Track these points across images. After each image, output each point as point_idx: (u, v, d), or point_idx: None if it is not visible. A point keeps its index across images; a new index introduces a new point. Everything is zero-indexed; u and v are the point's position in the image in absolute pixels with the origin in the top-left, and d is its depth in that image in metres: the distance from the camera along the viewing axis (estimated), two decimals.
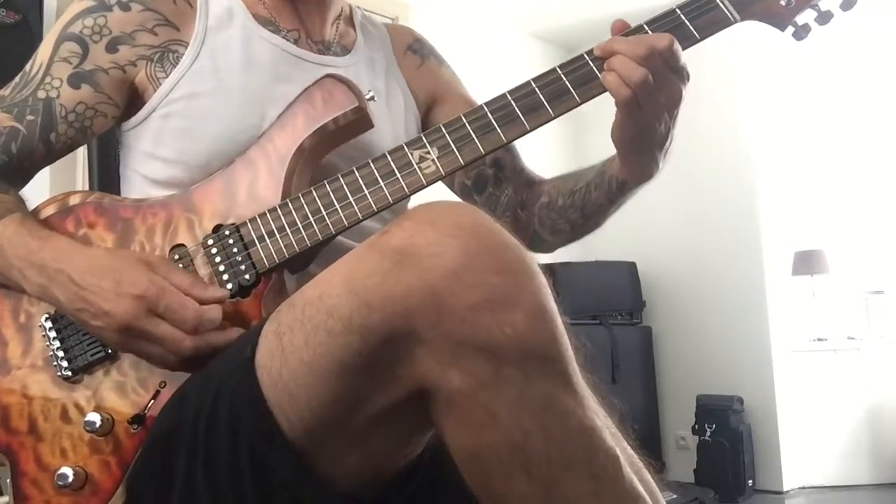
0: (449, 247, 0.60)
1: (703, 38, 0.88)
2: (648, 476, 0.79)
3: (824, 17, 0.94)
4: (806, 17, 0.94)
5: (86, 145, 1.01)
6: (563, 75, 0.86)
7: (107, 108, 0.93)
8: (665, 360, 4.11)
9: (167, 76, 0.92)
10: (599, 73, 0.86)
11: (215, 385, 0.71)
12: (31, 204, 0.93)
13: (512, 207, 1.10)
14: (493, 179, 1.11)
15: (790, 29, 0.94)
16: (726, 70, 3.91)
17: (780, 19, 0.93)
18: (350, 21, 1.13)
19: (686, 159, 4.06)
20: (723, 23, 0.89)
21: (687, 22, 0.88)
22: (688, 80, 0.88)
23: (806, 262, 3.86)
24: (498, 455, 0.59)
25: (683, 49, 0.87)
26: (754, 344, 3.82)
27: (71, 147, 0.94)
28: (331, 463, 0.68)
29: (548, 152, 4.44)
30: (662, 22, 0.88)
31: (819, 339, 3.93)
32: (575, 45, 4.45)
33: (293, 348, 0.66)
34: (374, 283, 0.61)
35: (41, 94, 0.91)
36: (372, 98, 0.92)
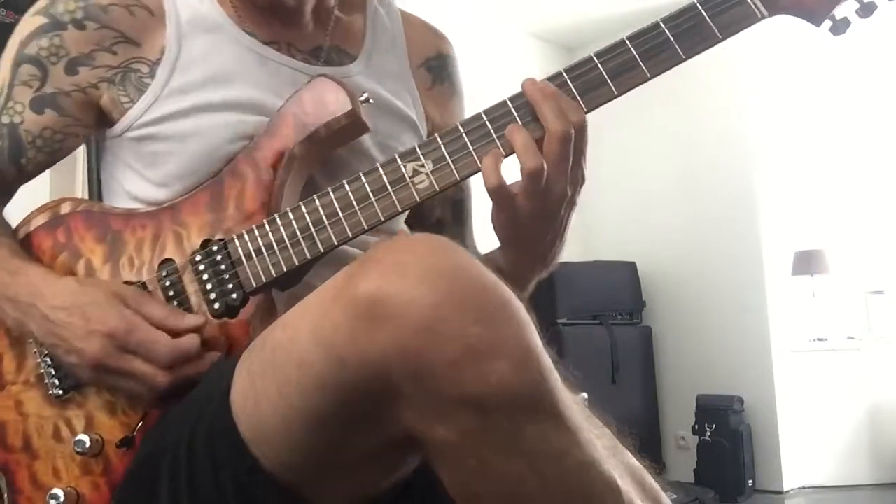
0: (421, 298, 0.55)
1: (725, 38, 0.80)
2: (651, 481, 0.78)
3: (867, 9, 0.84)
4: (845, 9, 0.84)
5: (85, 149, 1.00)
6: (568, 80, 0.81)
7: (75, 129, 0.90)
8: (665, 360, 4.11)
9: (132, 101, 0.87)
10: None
11: (195, 413, 0.70)
12: (32, 206, 0.92)
13: None
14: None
15: (827, 23, 0.84)
16: (727, 70, 3.91)
17: (814, 13, 0.83)
18: (362, 8, 1.01)
19: (686, 160, 4.09)
20: (749, 20, 0.80)
21: (708, 19, 0.80)
22: (582, 181, 0.81)
23: (806, 262, 3.86)
24: (495, 499, 0.58)
25: (702, 51, 0.80)
26: (754, 344, 3.82)
27: (44, 167, 0.92)
28: (318, 494, 0.66)
29: None
30: (682, 19, 0.80)
31: (819, 339, 3.93)
32: (575, 45, 4.45)
33: (266, 395, 0.63)
34: (344, 340, 0.57)
35: (5, 120, 0.88)
36: (367, 100, 0.86)
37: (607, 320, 3.83)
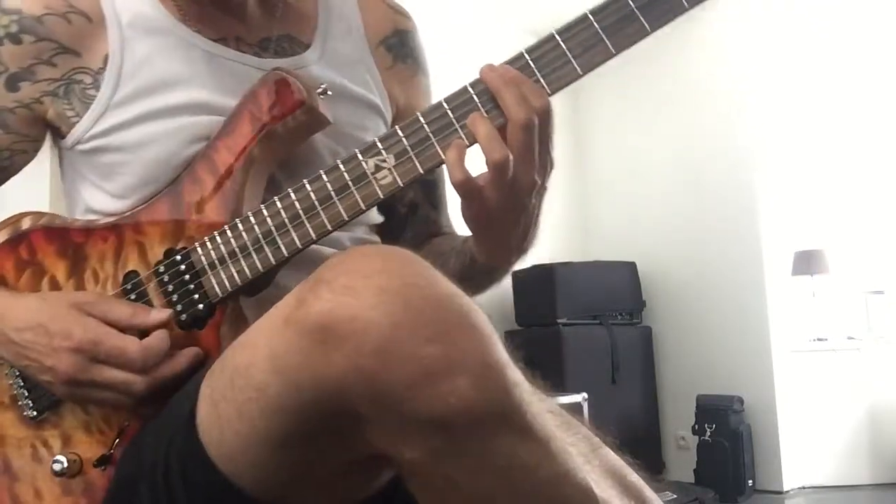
0: (374, 320, 0.53)
1: (691, 7, 0.75)
2: (633, 479, 0.77)
3: None
4: None
5: None
6: (530, 61, 0.77)
7: (24, 145, 0.88)
8: (665, 360, 4.11)
9: (78, 116, 0.85)
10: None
11: (167, 435, 0.69)
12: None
13: (408, 249, 1.03)
14: (401, 218, 1.02)
15: None
16: (726, 70, 3.91)
17: None
18: None
19: (686, 160, 4.09)
20: None
21: None
22: (551, 167, 0.77)
23: (806, 262, 3.86)
24: None
25: (669, 22, 0.75)
26: (754, 344, 3.82)
27: None
28: None
29: None
30: None
31: (819, 339, 3.93)
32: None
33: (228, 419, 0.62)
34: (299, 364, 0.56)
35: None
36: (324, 92, 0.83)
37: (607, 320, 3.83)
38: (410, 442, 0.55)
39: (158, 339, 0.76)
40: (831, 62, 3.97)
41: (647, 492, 0.76)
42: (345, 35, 0.96)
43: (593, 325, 3.78)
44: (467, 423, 0.54)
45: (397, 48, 1.01)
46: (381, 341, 0.53)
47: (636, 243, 4.19)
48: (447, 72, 1.16)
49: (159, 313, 0.78)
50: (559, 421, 0.74)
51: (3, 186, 0.93)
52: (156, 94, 0.84)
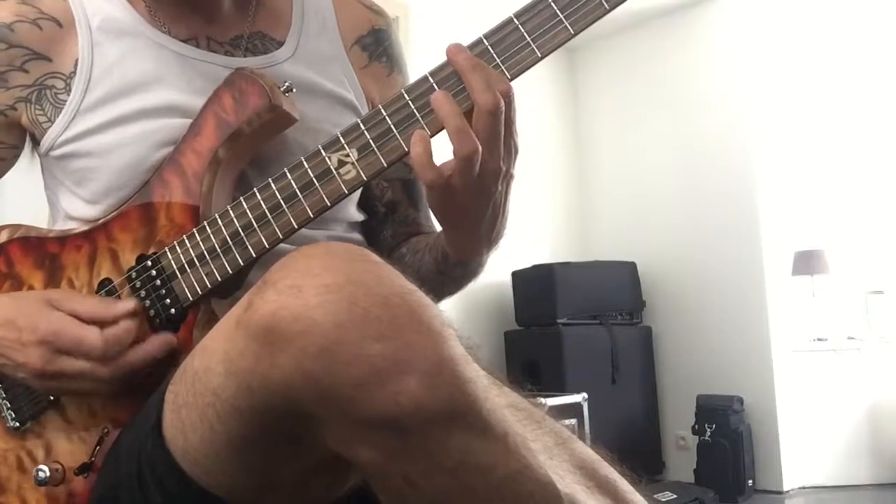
0: (318, 320, 0.52)
1: None
2: (606, 471, 0.75)
3: None
4: None
5: None
6: (489, 46, 0.76)
7: (1, 152, 0.89)
8: (665, 360, 4.11)
9: (50, 121, 0.85)
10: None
11: (139, 442, 0.69)
12: (34, 218, 0.91)
13: (386, 248, 1.03)
14: (380, 217, 1.02)
15: None
16: (727, 70, 3.92)
17: None
18: None
19: (686, 160, 4.09)
20: None
21: None
22: (515, 153, 0.76)
23: (806, 262, 3.86)
24: None
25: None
26: (754, 344, 3.82)
27: None
28: None
29: (550, 161, 4.42)
30: None
31: (819, 339, 3.93)
32: (575, 46, 4.44)
33: (191, 424, 0.63)
34: (248, 367, 0.55)
35: None
36: (289, 90, 0.82)
37: (607, 320, 3.83)
38: (364, 443, 0.54)
39: (121, 328, 0.77)
40: (831, 62, 3.97)
41: (622, 484, 0.74)
42: (319, 32, 0.96)
43: (593, 325, 3.78)
44: (419, 423, 0.52)
45: (372, 47, 1.01)
46: (326, 342, 0.52)
47: (636, 243, 4.19)
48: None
49: (125, 304, 0.79)
50: (522, 415, 0.73)
51: (2, 192, 0.93)
52: (124, 97, 0.84)
